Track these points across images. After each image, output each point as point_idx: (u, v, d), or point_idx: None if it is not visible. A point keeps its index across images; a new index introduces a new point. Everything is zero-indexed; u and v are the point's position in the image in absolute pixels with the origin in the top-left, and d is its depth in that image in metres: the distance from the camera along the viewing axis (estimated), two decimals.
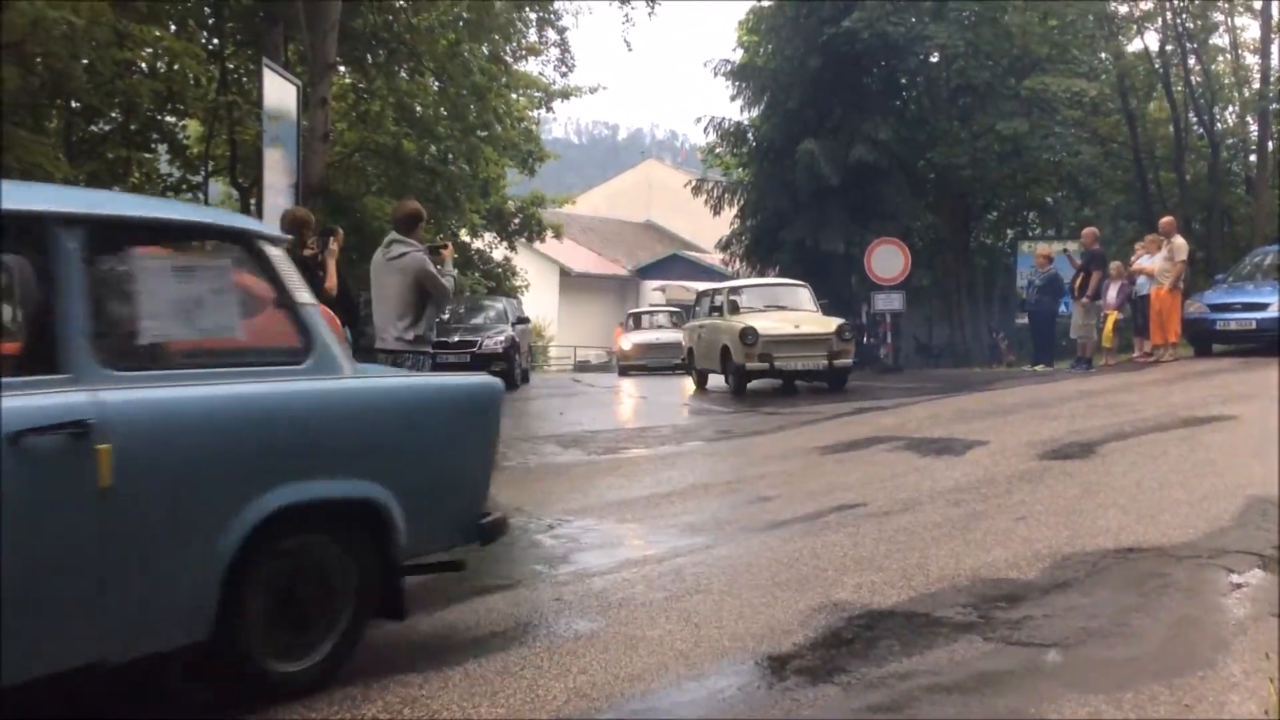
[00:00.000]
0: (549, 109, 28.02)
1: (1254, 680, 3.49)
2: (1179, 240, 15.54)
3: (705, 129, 27.50)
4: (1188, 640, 3.96)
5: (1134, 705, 3.34)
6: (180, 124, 18.01)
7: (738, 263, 27.29)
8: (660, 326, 26.39)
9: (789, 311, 15.55)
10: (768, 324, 14.61)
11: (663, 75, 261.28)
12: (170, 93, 14.11)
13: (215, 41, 18.04)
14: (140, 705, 3.71)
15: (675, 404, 15.32)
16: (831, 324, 14.73)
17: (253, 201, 15.37)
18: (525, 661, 3.96)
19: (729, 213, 27.60)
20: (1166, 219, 16.38)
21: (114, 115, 14.94)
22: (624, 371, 24.09)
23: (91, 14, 11.09)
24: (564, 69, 21.80)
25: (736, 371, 14.55)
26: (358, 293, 10.96)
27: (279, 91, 12.75)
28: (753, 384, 15.01)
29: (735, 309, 15.87)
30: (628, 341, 24.84)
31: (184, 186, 18.35)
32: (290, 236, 5.82)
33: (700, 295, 17.57)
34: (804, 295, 16.36)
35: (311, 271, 8.43)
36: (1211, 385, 11.76)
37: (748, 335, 14.27)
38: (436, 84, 20.71)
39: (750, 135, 27.01)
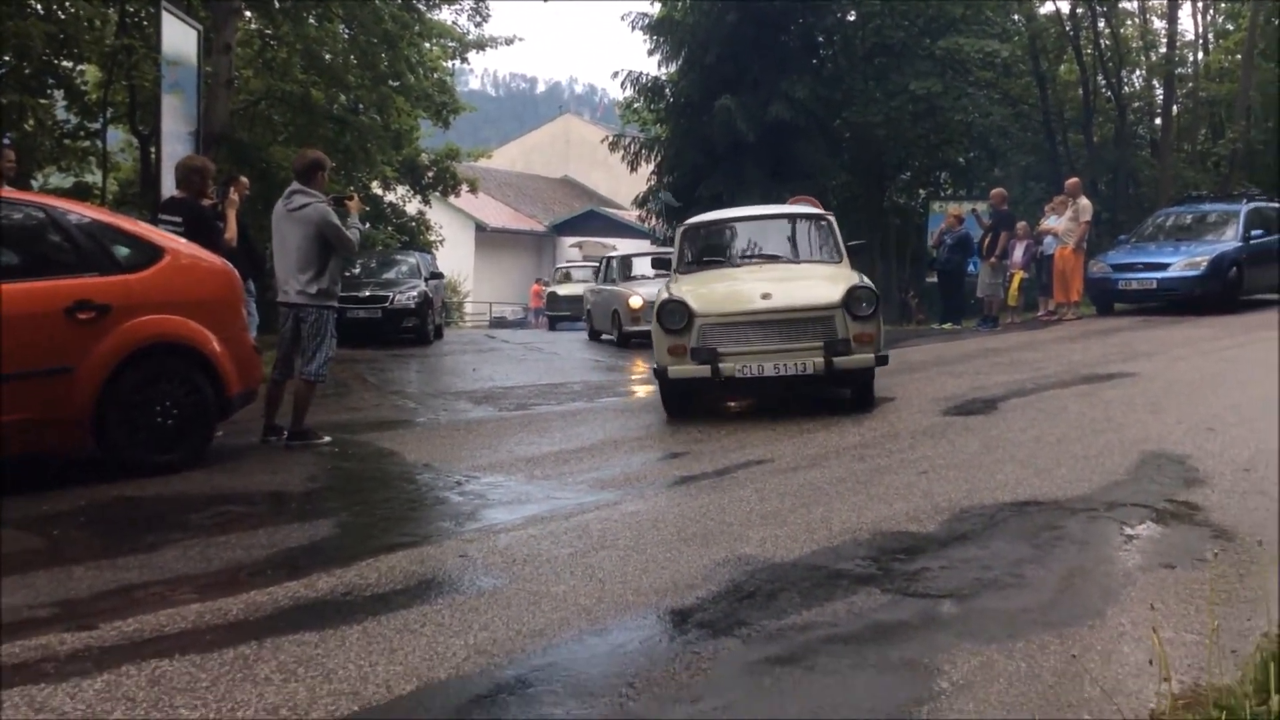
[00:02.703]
0: (464, 60, 27.61)
1: (1141, 630, 3.58)
2: (1084, 201, 15.89)
3: (623, 84, 27.19)
4: (1079, 591, 4.05)
5: (1025, 654, 3.41)
6: (77, 69, 17.31)
7: (654, 219, 27.18)
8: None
9: (779, 265, 9.31)
10: (715, 293, 8.58)
11: (582, 28, 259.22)
12: (65, 36, 13.49)
13: None
14: None
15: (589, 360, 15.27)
16: (837, 287, 8.29)
17: (152, 149, 14.85)
18: (426, 619, 3.91)
19: (646, 169, 27.46)
20: (1073, 180, 16.72)
21: (5, 59, 14.28)
22: (624, 340, 16.53)
23: None
24: (479, 18, 21.40)
25: (660, 380, 8.48)
26: (263, 245, 10.69)
27: (179, 36, 12.32)
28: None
29: (689, 264, 9.64)
30: (637, 299, 16.39)
31: (81, 134, 17.71)
32: None
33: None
34: (816, 236, 9.71)
35: (211, 222, 8.22)
36: (1112, 343, 12.09)
37: (670, 316, 8.30)
38: (346, 31, 20.19)
39: (668, 90, 26.81)
